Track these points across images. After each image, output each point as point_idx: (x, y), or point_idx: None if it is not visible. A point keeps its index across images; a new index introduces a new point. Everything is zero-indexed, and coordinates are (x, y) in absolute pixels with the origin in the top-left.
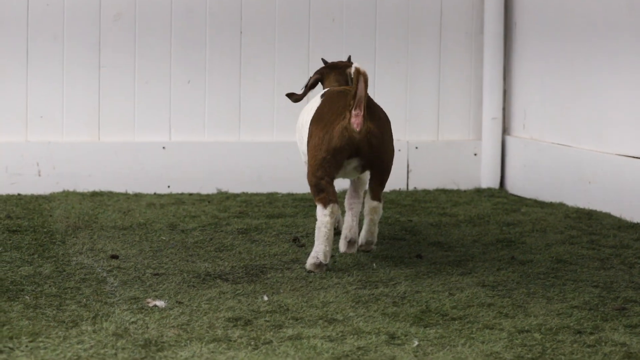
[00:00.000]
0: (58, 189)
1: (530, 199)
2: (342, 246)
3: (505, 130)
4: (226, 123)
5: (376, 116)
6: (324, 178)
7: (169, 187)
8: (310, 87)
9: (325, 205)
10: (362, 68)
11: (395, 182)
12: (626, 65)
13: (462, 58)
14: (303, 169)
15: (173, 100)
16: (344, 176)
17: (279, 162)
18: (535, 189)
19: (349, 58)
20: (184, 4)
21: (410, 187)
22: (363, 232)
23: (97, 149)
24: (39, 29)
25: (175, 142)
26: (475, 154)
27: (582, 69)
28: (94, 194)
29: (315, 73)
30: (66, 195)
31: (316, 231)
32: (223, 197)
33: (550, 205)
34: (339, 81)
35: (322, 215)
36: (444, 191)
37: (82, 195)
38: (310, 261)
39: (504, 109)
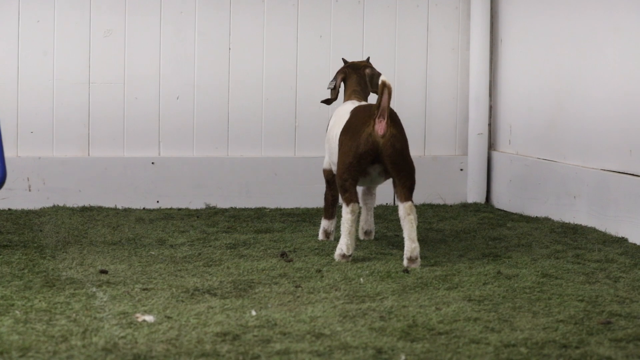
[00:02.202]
0: (48, 204)
1: (516, 214)
2: (360, 235)
3: (491, 146)
4: (215, 139)
5: (398, 124)
6: (348, 180)
7: (158, 202)
8: (338, 86)
9: (348, 204)
10: (388, 81)
11: (382, 197)
12: (611, 81)
13: (448, 73)
14: (293, 184)
15: (162, 116)
16: (371, 183)
17: (267, 177)
18: (521, 203)
19: (368, 59)
20: (174, 21)
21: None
22: (406, 245)
23: (87, 164)
24: (29, 46)
25: (164, 157)
26: (461, 169)
27: (568, 86)
28: (84, 209)
29: (340, 73)
30: (56, 210)
31: (341, 226)
32: (211, 212)
33: (536, 219)
34: (359, 81)
35: (345, 213)
36: (431, 206)
37: (72, 210)
38: (336, 252)
39: (490, 124)
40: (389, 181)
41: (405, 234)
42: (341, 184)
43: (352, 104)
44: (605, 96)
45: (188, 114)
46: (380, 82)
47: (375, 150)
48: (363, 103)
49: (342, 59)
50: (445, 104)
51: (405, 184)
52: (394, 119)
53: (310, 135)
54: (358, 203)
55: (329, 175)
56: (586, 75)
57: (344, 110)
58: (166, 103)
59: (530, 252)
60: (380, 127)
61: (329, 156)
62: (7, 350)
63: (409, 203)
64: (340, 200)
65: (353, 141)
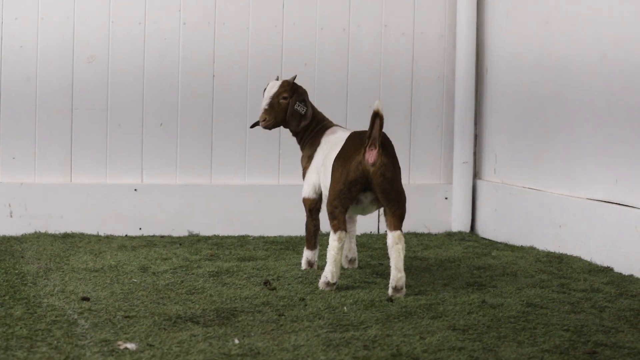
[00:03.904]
0: (30, 230)
1: (501, 243)
2: (344, 263)
3: (476, 175)
4: (198, 166)
5: (390, 153)
6: (338, 207)
7: (140, 229)
8: (310, 111)
9: (335, 231)
10: (381, 111)
11: (366, 225)
12: (596, 110)
13: (433, 102)
14: (276, 212)
15: (145, 142)
16: (363, 212)
17: (250, 204)
18: (506, 232)
19: (294, 78)
20: (157, 48)
21: (382, 231)
22: (392, 274)
23: (69, 190)
24: (12, 71)
25: (147, 184)
26: (446, 198)
27: (553, 114)
28: (66, 236)
29: (306, 95)
30: (38, 236)
31: (327, 254)
32: (194, 240)
33: (521, 249)
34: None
35: (332, 240)
36: (415, 235)
37: (54, 236)
38: (320, 280)
39: (474, 153)
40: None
41: (392, 263)
42: (331, 211)
43: (344, 131)
44: (591, 125)
45: (171, 141)
46: (373, 110)
47: (365, 179)
48: (359, 130)
49: (277, 77)
50: (430, 132)
51: (396, 213)
52: (386, 148)
53: (294, 162)
54: (346, 231)
55: (310, 205)
56: (571, 104)
57: (336, 137)
58: (149, 129)
59: (515, 282)
60: (370, 155)
61: (323, 180)
62: None
63: (398, 232)
64: (328, 227)
65: (344, 168)
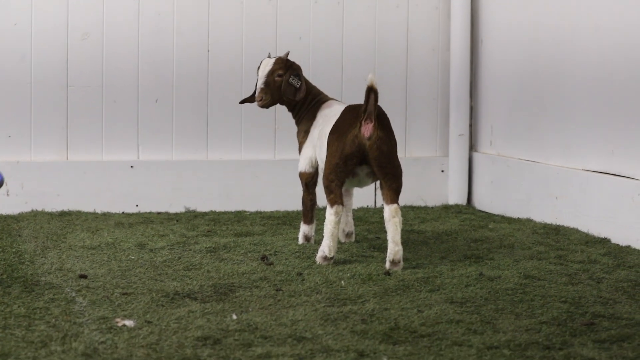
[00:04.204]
0: (26, 208)
1: (497, 215)
2: (341, 237)
3: (472, 147)
4: (194, 141)
5: (386, 126)
6: (334, 181)
7: (137, 206)
8: (304, 85)
9: (332, 205)
10: (375, 85)
11: (362, 199)
12: (592, 81)
13: (428, 74)
14: (273, 187)
15: (141, 119)
16: (359, 184)
17: (247, 180)
18: (503, 205)
19: (287, 54)
20: (152, 23)
21: (378, 205)
22: (389, 248)
23: (66, 168)
24: (6, 49)
25: (143, 161)
26: (442, 171)
27: (549, 85)
28: (63, 214)
29: (299, 70)
30: (34, 215)
31: (324, 228)
32: (191, 216)
33: (518, 221)
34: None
35: (329, 214)
36: (412, 208)
37: (51, 214)
38: (318, 254)
39: (470, 125)
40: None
41: (389, 237)
42: (327, 185)
43: (339, 104)
44: (587, 96)
45: (167, 117)
46: (367, 84)
47: (361, 152)
48: (354, 104)
49: (269, 54)
50: (426, 105)
51: (392, 187)
52: (382, 121)
53: (290, 137)
54: (343, 205)
55: (307, 179)
56: (567, 75)
57: (332, 111)
58: (145, 106)
59: (512, 254)
60: (366, 129)
61: (319, 153)
62: None
63: (395, 205)
64: (325, 201)
65: (339, 142)
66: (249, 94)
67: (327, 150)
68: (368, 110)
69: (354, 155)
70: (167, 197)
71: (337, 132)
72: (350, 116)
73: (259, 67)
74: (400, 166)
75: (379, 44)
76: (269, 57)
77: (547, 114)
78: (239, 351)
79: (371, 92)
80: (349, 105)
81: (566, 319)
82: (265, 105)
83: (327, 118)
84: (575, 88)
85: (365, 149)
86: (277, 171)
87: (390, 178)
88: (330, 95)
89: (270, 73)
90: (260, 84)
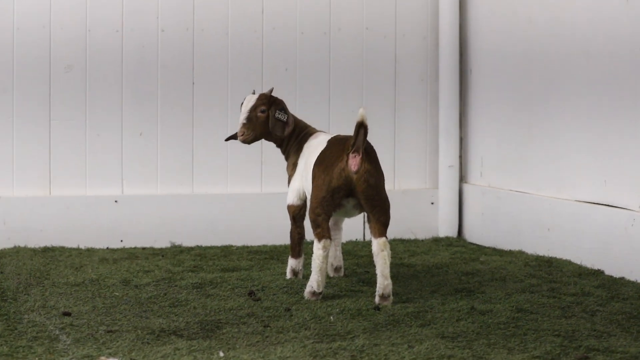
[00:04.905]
0: (9, 244)
1: (489, 248)
2: (330, 271)
3: (462, 178)
4: (179, 175)
5: (373, 159)
6: (321, 215)
7: (121, 241)
8: (292, 120)
9: (320, 240)
10: (365, 120)
11: (351, 233)
12: (583, 110)
13: (417, 105)
14: (260, 221)
15: (125, 152)
16: (346, 215)
17: (233, 214)
18: (494, 237)
19: (271, 90)
20: (136, 56)
21: (367, 238)
22: (378, 282)
23: (49, 203)
24: None
25: (128, 195)
26: (432, 203)
27: (539, 115)
28: (46, 250)
29: (283, 104)
30: (17, 250)
31: (312, 263)
32: (177, 251)
33: (510, 253)
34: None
35: (317, 249)
36: (402, 241)
37: (34, 250)
38: (306, 290)
39: (460, 156)
40: (359, 216)
41: (378, 271)
42: (314, 219)
43: (325, 135)
44: (578, 125)
45: (151, 150)
46: (357, 120)
47: (348, 186)
48: (341, 135)
49: (254, 90)
50: (415, 136)
51: (380, 220)
52: (369, 154)
53: (277, 170)
54: (330, 239)
55: (295, 211)
56: (557, 104)
57: (318, 142)
58: (129, 139)
59: (504, 287)
60: (354, 162)
61: (305, 184)
62: None
63: (383, 239)
64: (312, 235)
65: (326, 175)
66: (234, 127)
67: (313, 182)
68: (356, 144)
69: (341, 188)
70: (152, 232)
71: (323, 164)
72: (337, 148)
73: (242, 104)
74: (388, 199)
75: (367, 75)
76: (253, 93)
77: (538, 144)
78: None
79: (361, 127)
80: (335, 137)
81: (560, 353)
82: (247, 141)
83: (312, 149)
84: (566, 117)
85: (353, 182)
86: (264, 205)
87: (378, 211)
88: (317, 128)
89: (253, 109)
90: (242, 119)
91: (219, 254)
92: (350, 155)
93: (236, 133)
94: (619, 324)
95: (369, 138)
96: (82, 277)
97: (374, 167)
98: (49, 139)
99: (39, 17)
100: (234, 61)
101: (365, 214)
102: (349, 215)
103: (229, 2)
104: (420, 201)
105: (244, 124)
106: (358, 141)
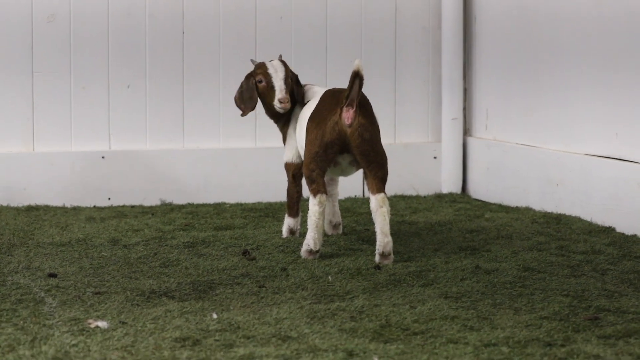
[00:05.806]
0: None
1: (494, 204)
2: (328, 229)
3: (466, 132)
4: (169, 130)
5: (368, 113)
6: (315, 170)
7: (109, 199)
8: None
9: (315, 195)
10: (361, 70)
11: (350, 189)
12: (594, 59)
13: (419, 55)
14: (254, 177)
15: (112, 106)
16: (342, 173)
17: (226, 170)
18: (500, 193)
19: (280, 57)
20: (122, 5)
21: (366, 195)
22: (378, 240)
23: (32, 160)
24: None
25: (115, 151)
26: (435, 157)
27: (547, 65)
28: (29, 209)
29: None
30: None
31: (308, 220)
32: (167, 209)
33: (516, 209)
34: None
35: (312, 205)
36: (403, 197)
37: (17, 210)
38: (302, 248)
39: (464, 108)
40: (357, 172)
41: (377, 228)
42: (308, 175)
43: (319, 88)
44: (588, 75)
45: (140, 104)
46: (353, 69)
47: (342, 140)
48: (335, 88)
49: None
50: (417, 88)
51: (377, 175)
52: (363, 107)
53: (272, 124)
54: (326, 194)
55: (294, 169)
56: (566, 54)
57: (311, 94)
58: (116, 92)
59: (510, 245)
60: (347, 116)
61: (299, 140)
62: None
63: (382, 195)
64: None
65: (319, 129)
66: (227, 80)
67: (307, 137)
68: (350, 97)
69: (335, 143)
70: (141, 189)
71: (317, 118)
72: (330, 101)
73: (266, 68)
74: (385, 153)
75: (366, 24)
76: (280, 58)
77: (545, 96)
78: (220, 352)
79: (356, 77)
80: (329, 90)
81: (569, 314)
82: (288, 108)
83: (311, 101)
84: (576, 67)
85: (347, 136)
86: (258, 160)
87: (375, 166)
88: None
89: (287, 77)
90: (284, 87)
91: (212, 211)
92: (344, 108)
93: (254, 102)
94: (630, 283)
95: (368, 90)
96: (68, 237)
97: (369, 120)
98: (31, 92)
99: None
100: (225, 9)
101: (363, 170)
102: (346, 173)
103: None
104: (422, 156)
105: (287, 91)
106: (352, 93)
